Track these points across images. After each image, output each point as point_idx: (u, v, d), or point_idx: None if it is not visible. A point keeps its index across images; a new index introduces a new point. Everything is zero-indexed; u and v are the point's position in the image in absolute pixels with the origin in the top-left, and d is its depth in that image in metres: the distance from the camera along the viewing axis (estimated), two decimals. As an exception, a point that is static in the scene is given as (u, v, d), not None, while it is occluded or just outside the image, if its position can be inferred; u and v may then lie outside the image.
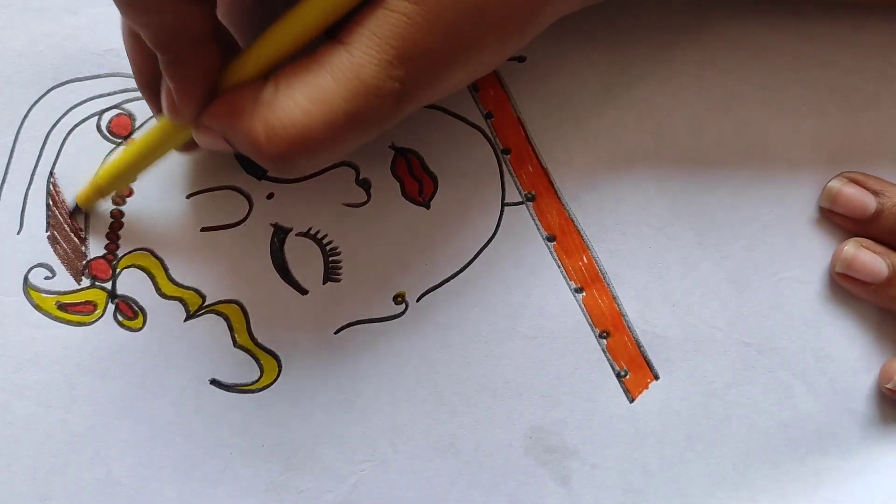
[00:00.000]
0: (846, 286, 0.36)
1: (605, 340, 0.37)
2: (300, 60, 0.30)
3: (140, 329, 0.36)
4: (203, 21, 0.29)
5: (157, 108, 0.32)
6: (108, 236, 0.36)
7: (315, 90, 0.29)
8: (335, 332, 0.37)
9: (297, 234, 0.37)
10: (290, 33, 0.30)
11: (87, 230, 0.36)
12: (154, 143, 0.33)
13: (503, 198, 0.37)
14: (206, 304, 0.36)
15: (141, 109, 0.37)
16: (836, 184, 0.36)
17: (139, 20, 0.29)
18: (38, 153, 0.37)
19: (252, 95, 0.30)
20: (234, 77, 0.30)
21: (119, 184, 0.35)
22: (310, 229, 0.37)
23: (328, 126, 0.29)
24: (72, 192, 0.36)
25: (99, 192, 0.35)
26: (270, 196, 0.37)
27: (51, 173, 0.36)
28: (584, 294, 0.37)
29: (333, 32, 0.30)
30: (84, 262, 0.36)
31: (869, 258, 0.36)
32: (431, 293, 0.37)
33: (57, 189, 0.36)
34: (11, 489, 0.36)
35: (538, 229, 0.37)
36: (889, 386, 0.36)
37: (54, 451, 0.36)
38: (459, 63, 0.30)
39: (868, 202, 0.36)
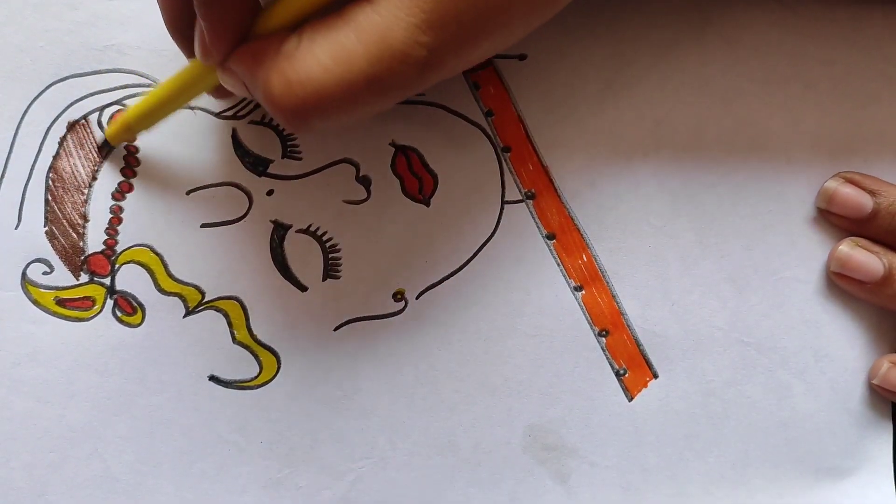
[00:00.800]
0: (842, 285, 0.36)
1: (604, 339, 0.37)
2: (328, 16, 0.29)
3: (139, 325, 0.36)
4: None
5: (188, 51, 0.32)
6: (107, 231, 0.36)
7: (337, 48, 0.28)
8: (334, 329, 0.37)
9: (296, 231, 0.37)
10: None
11: (91, 196, 0.36)
12: (183, 84, 0.33)
13: (503, 196, 0.37)
14: (206, 300, 0.36)
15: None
16: (832, 184, 0.36)
17: None
18: (37, 148, 0.36)
19: (276, 46, 0.29)
20: (264, 25, 0.30)
21: (148, 122, 0.35)
22: (310, 226, 0.37)
23: (346, 87, 0.28)
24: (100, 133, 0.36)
25: (128, 128, 0.35)
26: (270, 193, 0.37)
27: (50, 168, 0.36)
28: (583, 292, 0.37)
29: None
30: (83, 258, 0.36)
31: (864, 257, 0.36)
32: (431, 291, 0.37)
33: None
34: (9, 484, 0.36)
35: (538, 227, 0.37)
36: (875, 381, 0.36)
37: (52, 447, 0.36)
38: (487, 32, 0.29)
39: (864, 202, 0.36)
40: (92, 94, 0.37)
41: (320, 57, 0.28)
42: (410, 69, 0.28)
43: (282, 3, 0.30)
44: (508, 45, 0.31)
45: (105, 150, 0.36)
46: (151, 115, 0.35)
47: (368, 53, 0.28)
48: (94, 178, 0.37)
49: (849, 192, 0.36)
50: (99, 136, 0.36)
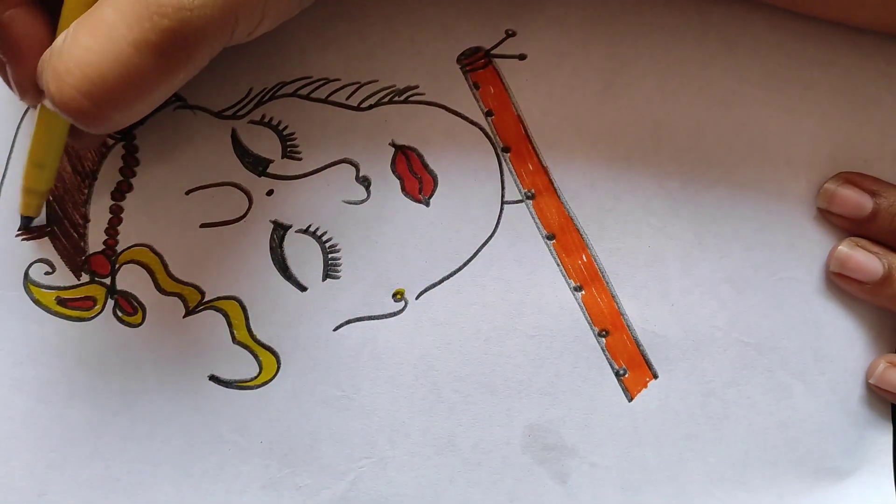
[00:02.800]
0: (842, 285, 0.36)
1: (604, 339, 0.37)
2: (95, 5, 0.28)
3: (139, 325, 0.36)
4: None
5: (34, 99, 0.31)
6: (107, 232, 0.36)
7: (95, 24, 0.27)
8: (334, 329, 0.37)
9: (296, 231, 0.37)
10: None
11: (91, 196, 0.36)
12: (45, 125, 0.32)
13: (503, 196, 0.37)
14: (206, 300, 0.36)
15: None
16: (832, 184, 0.36)
17: None
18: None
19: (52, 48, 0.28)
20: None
21: (43, 178, 0.34)
22: (309, 226, 0.37)
23: (116, 61, 0.27)
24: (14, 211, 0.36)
25: (29, 192, 0.35)
26: (270, 193, 0.37)
27: (51, 169, 0.36)
28: (583, 292, 0.37)
29: None
30: (84, 258, 0.36)
31: (863, 257, 0.36)
32: (430, 291, 0.37)
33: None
34: (10, 484, 0.36)
35: (538, 227, 0.37)
36: (871, 381, 0.36)
37: (52, 447, 0.36)
38: None
39: (864, 203, 0.36)
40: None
41: (81, 40, 0.27)
42: (172, 21, 0.27)
43: (66, 8, 0.29)
44: (295, 2, 0.30)
45: (27, 224, 0.36)
46: (40, 169, 0.34)
47: (125, 18, 0.26)
48: (94, 178, 0.37)
49: (849, 193, 0.36)
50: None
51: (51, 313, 0.36)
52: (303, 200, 0.37)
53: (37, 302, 0.36)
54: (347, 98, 0.37)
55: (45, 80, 0.27)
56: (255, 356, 0.36)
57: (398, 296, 0.37)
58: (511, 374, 0.37)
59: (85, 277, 0.36)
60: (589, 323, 0.37)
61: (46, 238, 0.36)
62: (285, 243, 0.37)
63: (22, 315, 0.36)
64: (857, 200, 0.36)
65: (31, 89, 0.30)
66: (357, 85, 0.37)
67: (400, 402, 0.37)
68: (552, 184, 0.37)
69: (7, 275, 0.36)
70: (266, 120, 0.37)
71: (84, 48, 0.27)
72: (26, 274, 0.36)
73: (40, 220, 0.36)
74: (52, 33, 0.30)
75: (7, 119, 0.36)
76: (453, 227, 0.37)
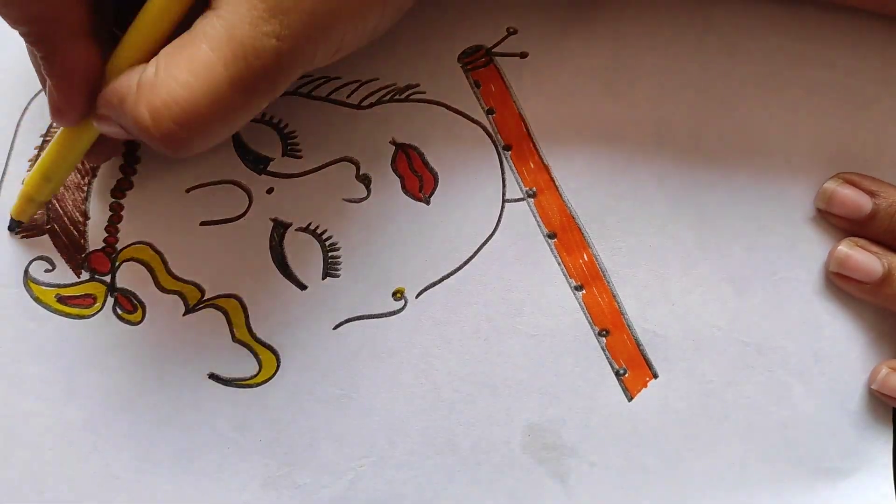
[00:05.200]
0: (841, 285, 0.36)
1: (604, 338, 0.37)
2: (180, 38, 0.29)
3: (139, 323, 0.36)
4: (76, 10, 0.29)
5: None
6: (107, 229, 0.36)
7: (193, 62, 0.28)
8: (334, 328, 0.37)
9: (296, 230, 0.37)
10: (161, 9, 0.30)
11: (90, 193, 0.36)
12: (68, 144, 0.33)
13: (504, 194, 0.37)
14: (206, 298, 0.36)
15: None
16: (831, 184, 0.36)
17: (9, 13, 0.29)
18: (38, 145, 0.37)
19: (135, 80, 0.29)
20: (117, 67, 0.30)
21: (47, 189, 0.34)
22: (309, 224, 0.37)
23: (212, 97, 0.28)
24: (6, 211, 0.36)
25: (30, 200, 0.35)
26: (270, 191, 0.37)
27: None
28: (583, 292, 0.37)
29: (207, 1, 0.29)
30: (84, 255, 0.36)
31: (863, 257, 0.36)
32: (430, 290, 0.37)
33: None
34: (9, 482, 0.36)
35: (539, 226, 0.37)
36: (873, 387, 0.36)
37: (52, 444, 0.36)
38: (335, 17, 0.30)
39: (863, 203, 0.36)
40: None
41: (178, 76, 0.28)
42: (267, 61, 0.29)
43: (130, 38, 0.30)
44: (368, 33, 0.32)
45: (15, 228, 0.36)
46: (47, 182, 0.34)
47: (223, 57, 0.28)
48: (94, 176, 0.37)
49: (847, 193, 0.36)
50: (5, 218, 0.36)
51: (50, 311, 0.36)
52: (303, 199, 0.37)
53: (36, 299, 0.36)
54: (348, 96, 0.37)
55: (138, 114, 0.29)
56: (255, 354, 0.36)
57: (398, 294, 0.37)
58: (511, 374, 0.37)
59: (85, 275, 0.36)
60: (589, 322, 0.37)
61: (46, 235, 0.36)
62: (285, 241, 0.37)
63: (21, 312, 0.36)
64: (855, 201, 0.36)
65: (68, 113, 0.31)
66: (358, 83, 0.37)
67: (399, 401, 0.37)
68: (553, 182, 0.37)
69: (7, 272, 0.36)
70: (266, 118, 0.37)
71: (183, 86, 0.28)
72: (26, 271, 0.36)
73: (33, 219, 0.36)
74: (101, 65, 0.31)
75: (8, 116, 0.36)
76: (454, 226, 0.37)
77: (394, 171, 0.37)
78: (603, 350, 0.37)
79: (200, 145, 0.30)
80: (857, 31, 0.37)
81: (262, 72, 0.29)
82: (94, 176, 0.37)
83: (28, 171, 0.36)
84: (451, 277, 0.37)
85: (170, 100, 0.28)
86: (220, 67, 0.28)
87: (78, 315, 0.36)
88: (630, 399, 0.37)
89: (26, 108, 0.37)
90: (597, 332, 0.37)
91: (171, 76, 0.28)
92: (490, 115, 0.37)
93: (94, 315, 0.36)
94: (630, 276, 0.37)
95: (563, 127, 0.37)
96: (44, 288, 0.36)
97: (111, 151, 0.36)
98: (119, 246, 0.36)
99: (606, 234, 0.37)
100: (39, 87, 0.36)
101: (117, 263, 0.36)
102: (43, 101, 0.36)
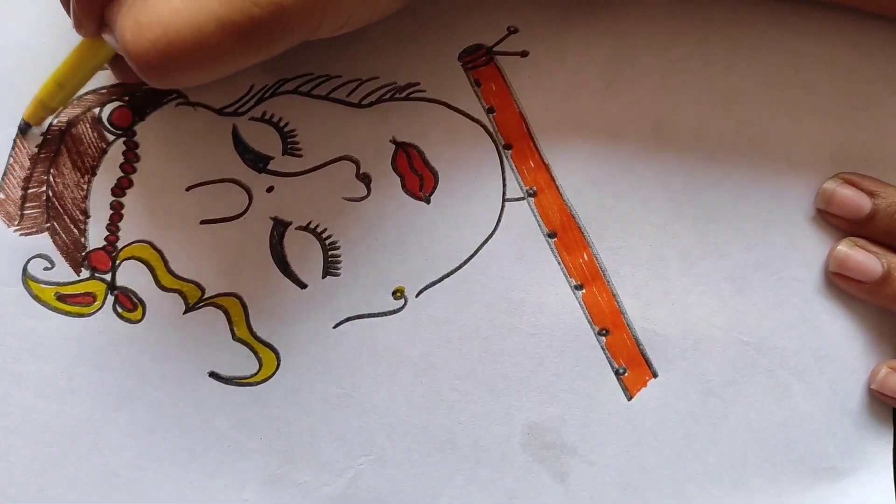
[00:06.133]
0: (841, 285, 0.36)
1: (604, 338, 0.37)
2: None
3: (139, 321, 0.36)
4: None
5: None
6: (107, 228, 0.36)
7: None
8: (334, 327, 0.37)
9: (296, 228, 0.37)
10: None
11: (90, 192, 0.36)
12: (84, 54, 0.33)
13: (504, 193, 0.37)
14: (206, 296, 0.36)
15: (143, 101, 0.37)
16: (831, 185, 0.36)
17: None
18: (38, 143, 0.36)
19: None
20: None
21: (60, 97, 0.35)
22: (309, 223, 0.37)
23: (197, 30, 0.28)
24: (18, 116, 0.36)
25: (42, 106, 0.35)
26: (270, 189, 0.37)
27: (51, 164, 0.36)
28: (583, 291, 0.37)
29: None
30: (84, 253, 0.36)
31: (862, 257, 0.36)
32: (430, 288, 0.37)
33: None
34: (9, 479, 0.36)
35: (539, 225, 0.37)
36: (873, 387, 0.36)
37: (52, 442, 0.36)
38: None
39: (863, 203, 0.36)
40: (93, 91, 0.37)
41: (171, 0, 0.28)
42: (266, 12, 0.28)
43: None
44: (380, 9, 0.31)
45: (26, 131, 0.36)
46: (61, 90, 0.35)
47: None
48: (94, 174, 0.37)
49: (847, 194, 0.36)
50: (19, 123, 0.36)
51: (50, 309, 0.36)
52: (303, 197, 0.37)
53: (36, 298, 0.36)
54: (348, 95, 0.37)
55: (123, 26, 0.28)
56: (255, 353, 0.36)
57: (398, 293, 0.37)
58: (511, 373, 0.37)
59: (85, 273, 0.36)
60: (589, 321, 0.37)
61: (46, 234, 0.36)
62: (285, 240, 0.37)
63: (21, 311, 0.36)
64: (855, 201, 0.36)
65: (87, 23, 0.31)
66: (358, 82, 0.37)
67: (399, 400, 0.37)
68: (554, 181, 0.37)
69: (6, 270, 0.36)
70: (267, 117, 0.37)
71: (172, 9, 0.28)
72: (25, 269, 0.36)
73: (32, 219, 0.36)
74: None
75: (10, 114, 0.36)
76: (454, 225, 0.37)
77: (394, 169, 0.37)
78: (603, 349, 0.37)
79: (177, 78, 0.29)
80: (858, 31, 0.37)
81: (257, 22, 0.28)
82: (94, 174, 0.37)
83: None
84: (451, 276, 0.37)
85: (154, 21, 0.28)
86: (213, 3, 0.28)
87: (77, 313, 0.36)
88: (630, 398, 0.37)
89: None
90: (596, 331, 0.37)
91: None
92: (490, 114, 0.37)
93: (93, 313, 0.36)
94: (630, 276, 0.37)
95: (563, 126, 0.37)
96: (43, 286, 0.36)
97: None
98: (119, 244, 0.36)
99: (606, 233, 0.37)
100: (39, 87, 0.36)
101: (118, 262, 0.36)
102: (43, 100, 0.36)
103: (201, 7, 0.28)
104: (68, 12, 0.32)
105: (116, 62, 0.34)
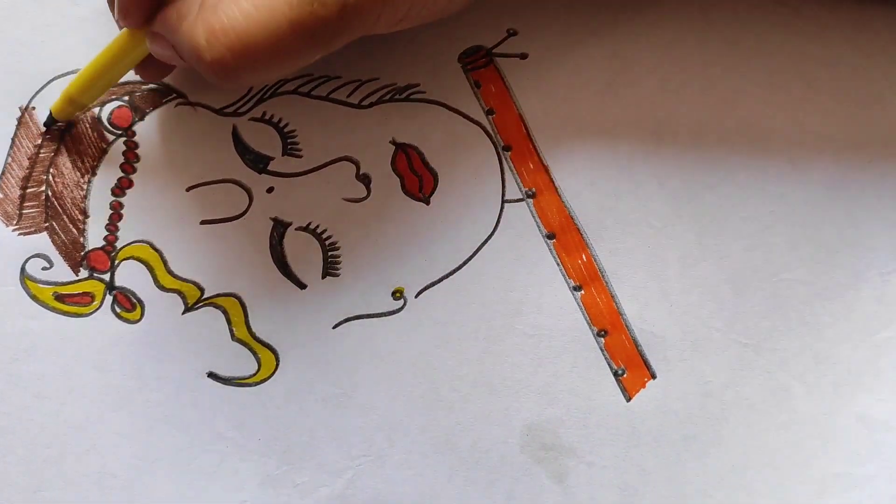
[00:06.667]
0: None
1: (602, 339, 0.37)
2: None
3: (138, 321, 0.36)
4: None
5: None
6: (107, 227, 0.36)
7: None
8: (333, 327, 0.37)
9: (296, 229, 0.37)
10: None
11: (90, 192, 0.36)
12: (117, 53, 0.33)
13: (503, 194, 0.37)
14: (205, 297, 0.36)
15: (143, 101, 0.37)
16: None
17: None
18: (38, 143, 0.36)
19: (198, 2, 0.30)
20: None
21: (89, 94, 0.35)
22: (309, 224, 0.37)
23: (270, 33, 0.29)
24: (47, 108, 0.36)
25: (71, 101, 0.35)
26: (270, 190, 0.37)
27: (50, 163, 0.36)
28: (582, 292, 0.37)
29: None
30: (83, 253, 0.36)
31: None
32: (430, 289, 0.37)
33: (31, 112, 0.36)
34: (6, 479, 0.36)
35: (538, 227, 0.37)
36: None
37: (49, 442, 0.36)
38: None
39: None
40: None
41: (242, 5, 0.29)
42: (332, 11, 0.29)
43: None
44: (438, 9, 0.32)
45: (51, 125, 0.36)
46: (91, 87, 0.35)
47: None
48: (94, 174, 0.37)
49: None
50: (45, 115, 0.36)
51: (48, 309, 0.36)
52: (303, 198, 0.37)
53: (34, 297, 0.36)
54: (348, 96, 0.37)
55: (194, 31, 0.29)
56: (254, 353, 0.36)
57: (397, 294, 0.37)
58: (510, 374, 0.37)
59: (83, 273, 0.36)
60: (588, 323, 0.37)
61: (44, 233, 0.36)
62: (285, 241, 0.37)
63: (19, 310, 0.36)
64: None
65: (131, 15, 0.31)
66: (358, 83, 0.37)
67: (398, 401, 0.37)
68: (553, 183, 0.37)
69: (4, 270, 0.36)
70: (267, 117, 0.37)
71: (244, 13, 0.29)
72: (23, 269, 0.36)
73: (30, 218, 0.36)
74: None
75: (9, 114, 0.36)
76: (453, 226, 0.37)
77: (394, 170, 0.37)
78: (601, 350, 0.37)
79: (247, 79, 0.30)
80: (862, 30, 0.37)
81: (325, 20, 0.29)
82: (94, 174, 0.37)
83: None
84: (451, 277, 0.37)
85: (228, 26, 0.29)
86: (284, 6, 0.29)
87: (76, 313, 0.36)
88: (628, 399, 0.37)
89: (25, 110, 0.37)
90: (595, 332, 0.37)
91: (235, 3, 0.29)
92: (490, 116, 0.37)
93: (92, 313, 0.36)
94: (629, 277, 0.37)
95: (562, 127, 0.37)
96: (41, 286, 0.36)
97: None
98: (119, 244, 0.36)
99: (605, 234, 0.37)
100: (40, 85, 0.37)
101: (117, 262, 0.36)
102: (43, 99, 0.36)
103: (272, 10, 0.29)
104: (111, 7, 0.32)
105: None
